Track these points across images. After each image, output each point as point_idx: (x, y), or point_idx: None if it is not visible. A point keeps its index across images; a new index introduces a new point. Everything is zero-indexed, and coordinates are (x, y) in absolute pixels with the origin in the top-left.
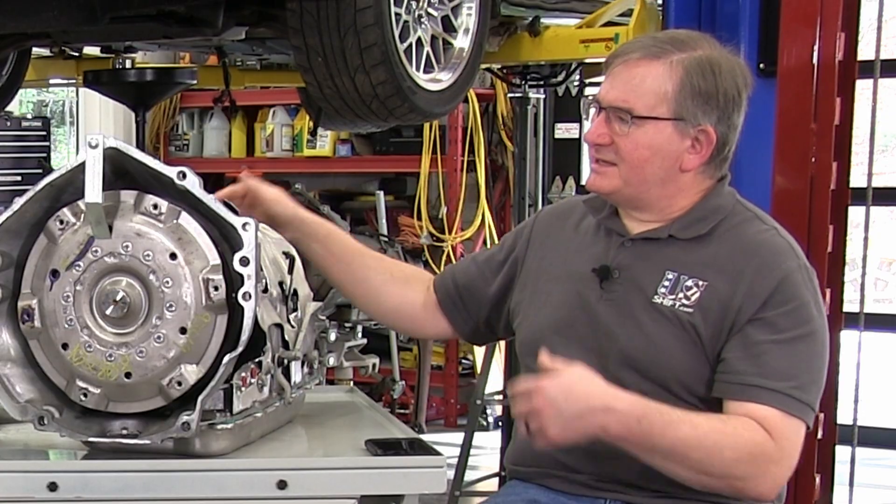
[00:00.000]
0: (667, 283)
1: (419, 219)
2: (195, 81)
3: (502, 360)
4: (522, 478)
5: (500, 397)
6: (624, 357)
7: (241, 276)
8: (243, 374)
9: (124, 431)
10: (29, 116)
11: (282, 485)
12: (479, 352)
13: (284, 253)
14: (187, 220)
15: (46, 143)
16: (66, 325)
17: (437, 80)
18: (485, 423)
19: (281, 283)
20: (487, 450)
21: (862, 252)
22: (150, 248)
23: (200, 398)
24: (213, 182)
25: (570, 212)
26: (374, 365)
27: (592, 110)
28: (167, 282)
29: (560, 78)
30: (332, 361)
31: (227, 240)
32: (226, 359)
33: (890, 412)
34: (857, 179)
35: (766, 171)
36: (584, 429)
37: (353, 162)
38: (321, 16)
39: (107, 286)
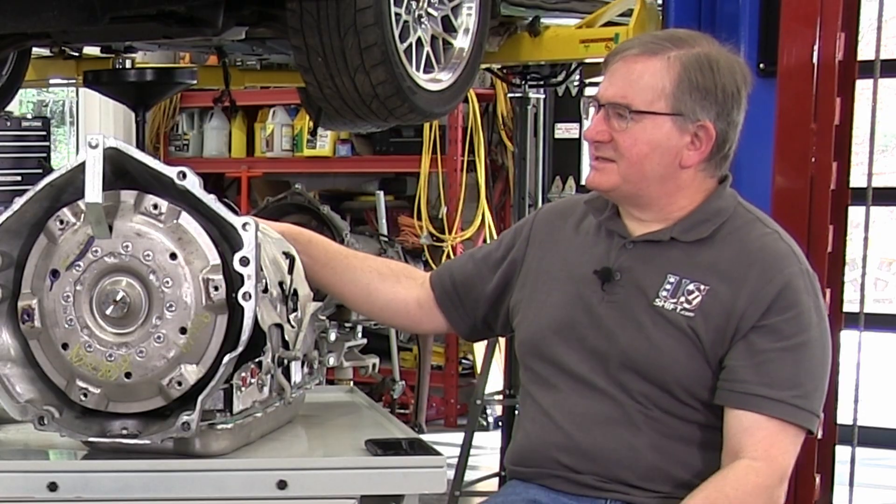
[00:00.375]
0: (668, 287)
1: (419, 219)
2: (195, 81)
3: (502, 360)
4: (523, 478)
5: (500, 397)
6: (625, 359)
7: (241, 276)
8: (243, 374)
9: (124, 431)
10: (29, 116)
11: (282, 485)
12: (479, 352)
13: (284, 253)
14: (187, 220)
15: (46, 143)
16: (66, 325)
17: (437, 80)
18: (485, 423)
19: (281, 283)
20: (487, 450)
21: (862, 252)
22: (150, 248)
23: (200, 398)
24: (213, 182)
25: (570, 211)
26: (374, 365)
27: (592, 109)
28: (167, 282)
29: (560, 78)
30: (332, 361)
31: (227, 240)
32: (226, 359)
33: (890, 412)
34: (857, 179)
35: (766, 171)
36: None
37: (353, 162)
38: (321, 16)
39: (107, 286)
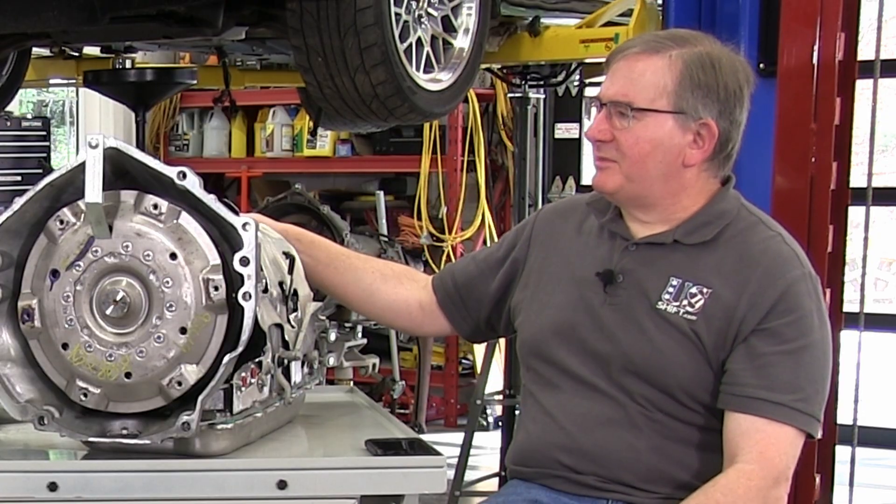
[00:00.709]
0: (671, 290)
1: (419, 219)
2: (195, 81)
3: (502, 360)
4: (524, 478)
5: (500, 397)
6: (627, 362)
7: (242, 276)
8: (243, 374)
9: (124, 431)
10: (29, 116)
11: (282, 485)
12: (480, 352)
13: (284, 253)
14: (187, 220)
15: (46, 143)
16: (66, 325)
17: (437, 80)
18: (485, 423)
19: (281, 283)
20: (487, 450)
21: (862, 252)
22: (150, 248)
23: (200, 398)
24: (213, 182)
25: (571, 211)
26: (374, 365)
27: (594, 109)
28: (167, 282)
29: (560, 78)
30: (332, 361)
31: (227, 240)
32: (226, 359)
33: (890, 412)
34: (857, 179)
35: (766, 171)
36: None
37: (353, 162)
38: (321, 16)
39: (107, 286)
